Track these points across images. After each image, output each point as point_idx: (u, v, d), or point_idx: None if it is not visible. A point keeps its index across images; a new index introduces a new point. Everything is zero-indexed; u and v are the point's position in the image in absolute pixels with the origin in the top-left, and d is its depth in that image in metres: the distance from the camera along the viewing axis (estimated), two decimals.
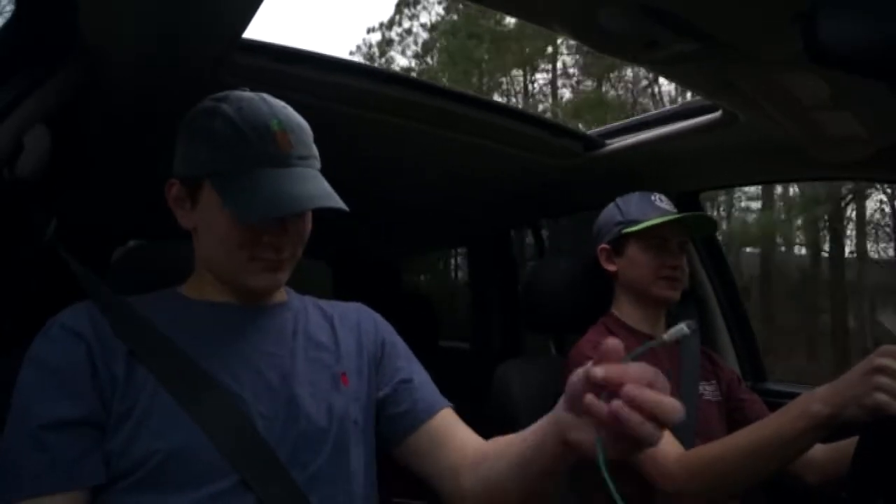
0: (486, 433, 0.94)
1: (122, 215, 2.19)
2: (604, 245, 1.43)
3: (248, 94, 0.89)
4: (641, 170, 1.63)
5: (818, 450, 1.22)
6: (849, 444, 1.00)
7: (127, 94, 1.21)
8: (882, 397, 0.87)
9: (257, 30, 1.05)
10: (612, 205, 1.45)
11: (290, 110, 0.90)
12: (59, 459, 0.74)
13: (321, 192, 0.85)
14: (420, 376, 1.00)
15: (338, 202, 0.84)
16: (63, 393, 0.76)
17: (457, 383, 1.74)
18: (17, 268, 1.44)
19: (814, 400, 0.94)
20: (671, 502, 1.13)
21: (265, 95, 0.90)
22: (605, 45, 1.00)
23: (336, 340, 0.96)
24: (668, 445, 1.13)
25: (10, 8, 1.02)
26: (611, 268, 1.42)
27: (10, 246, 1.20)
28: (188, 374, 0.81)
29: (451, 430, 0.94)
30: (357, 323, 1.01)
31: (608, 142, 1.66)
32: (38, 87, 0.98)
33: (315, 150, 0.91)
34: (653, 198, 1.40)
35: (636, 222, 1.36)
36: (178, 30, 1.00)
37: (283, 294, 0.98)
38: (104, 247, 2.21)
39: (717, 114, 1.32)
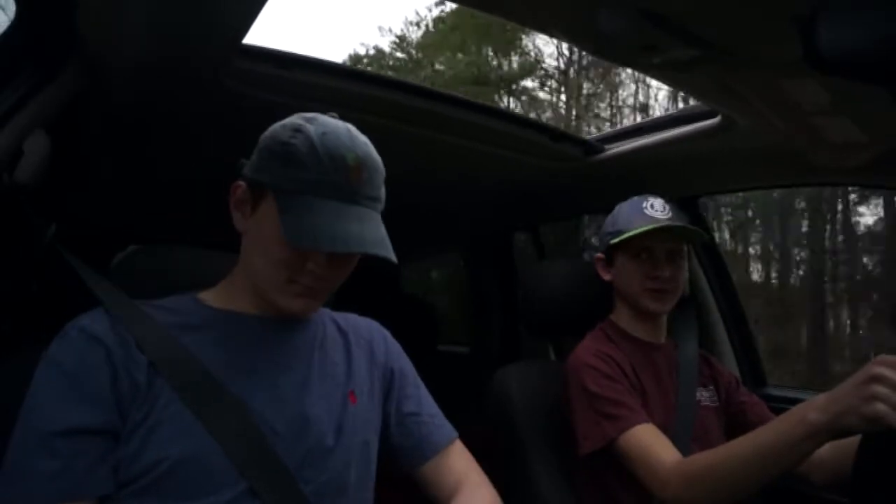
0: (485, 437, 0.95)
1: (122, 220, 2.19)
2: (599, 255, 1.44)
3: (337, 121, 0.89)
4: (641, 175, 1.63)
5: (823, 449, 1.22)
6: (853, 442, 0.99)
7: (127, 98, 1.21)
8: (881, 407, 0.86)
9: (258, 35, 1.05)
10: (611, 213, 1.44)
11: (371, 149, 0.89)
12: (70, 467, 0.73)
13: (376, 237, 0.84)
14: (428, 406, 1.03)
15: (389, 252, 0.84)
16: (79, 399, 0.75)
17: (456, 387, 1.74)
18: (17, 272, 1.44)
19: (811, 408, 0.94)
20: None
21: (352, 127, 0.90)
22: (604, 49, 1.00)
23: (349, 359, 0.97)
24: (666, 452, 1.13)
25: (11, 12, 1.02)
26: (606, 277, 1.43)
27: (9, 250, 1.20)
28: (202, 382, 0.81)
29: (451, 468, 0.99)
30: (370, 342, 1.02)
31: (608, 147, 1.66)
32: (38, 92, 0.99)
33: (383, 195, 0.90)
34: (644, 205, 1.36)
35: (621, 232, 1.34)
36: (178, 35, 1.00)
37: None
38: (104, 251, 2.20)
39: (717, 119, 1.33)
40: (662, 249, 1.34)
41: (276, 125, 0.89)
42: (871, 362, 0.90)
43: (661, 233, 1.31)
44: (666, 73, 1.09)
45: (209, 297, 0.92)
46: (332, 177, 0.83)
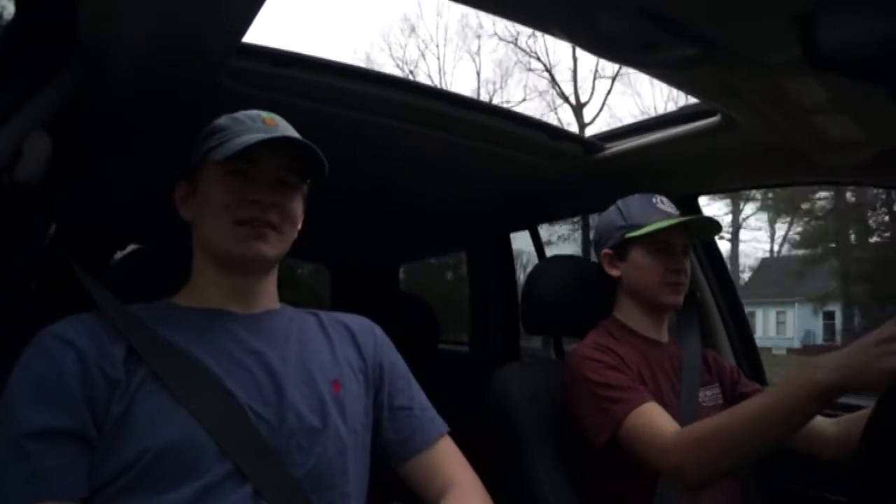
0: (484, 437, 0.95)
1: (122, 220, 2.19)
2: (606, 250, 1.40)
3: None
4: (641, 173, 1.62)
5: (830, 424, 1.22)
6: (862, 417, 0.97)
7: (126, 98, 1.21)
8: None
9: (258, 33, 1.05)
10: (612, 208, 1.42)
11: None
12: (42, 469, 0.73)
13: (294, 139, 0.90)
14: (419, 400, 1.03)
15: (311, 145, 0.88)
16: (49, 402, 0.76)
17: (456, 387, 1.74)
18: (18, 271, 1.44)
19: (819, 367, 0.92)
20: (670, 480, 1.10)
21: None
22: (603, 48, 1.00)
23: (331, 348, 0.97)
24: (666, 423, 1.12)
25: (9, 12, 1.02)
26: (614, 273, 1.40)
27: (10, 250, 1.20)
28: (185, 370, 0.82)
29: (441, 466, 0.99)
30: (355, 334, 1.02)
31: (608, 145, 1.66)
32: (38, 92, 0.99)
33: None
34: (654, 200, 1.37)
35: (639, 226, 1.32)
36: (177, 34, 1.00)
37: (277, 304, 1.00)
38: (103, 251, 2.21)
39: (716, 118, 1.33)
40: (679, 244, 1.34)
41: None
42: (890, 322, 0.89)
43: (682, 227, 1.31)
44: (666, 72, 1.09)
45: (178, 299, 0.95)
46: (252, 125, 0.92)
